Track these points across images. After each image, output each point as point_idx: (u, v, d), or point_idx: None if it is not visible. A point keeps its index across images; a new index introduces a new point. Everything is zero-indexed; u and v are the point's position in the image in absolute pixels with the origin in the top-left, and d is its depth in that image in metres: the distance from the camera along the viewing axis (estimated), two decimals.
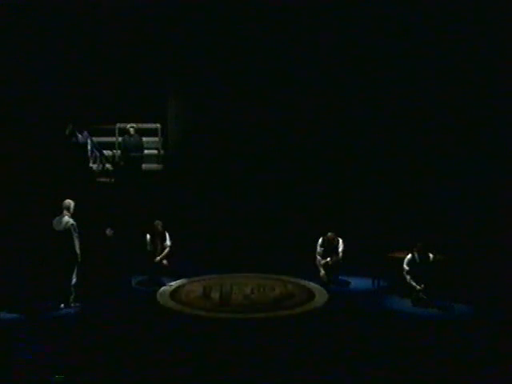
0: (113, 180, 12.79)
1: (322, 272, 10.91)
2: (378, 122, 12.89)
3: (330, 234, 10.97)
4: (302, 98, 13.11)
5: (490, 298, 9.80)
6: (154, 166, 13.65)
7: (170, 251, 11.05)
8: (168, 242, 11.08)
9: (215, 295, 10.36)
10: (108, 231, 10.55)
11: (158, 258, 10.96)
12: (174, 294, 10.43)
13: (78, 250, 9.52)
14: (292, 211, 12.89)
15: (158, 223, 11.10)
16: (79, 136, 12.46)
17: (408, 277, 9.79)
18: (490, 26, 11.76)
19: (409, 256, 9.87)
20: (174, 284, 10.93)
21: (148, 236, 11.05)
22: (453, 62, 12.17)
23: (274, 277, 11.39)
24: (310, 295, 10.35)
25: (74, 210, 9.70)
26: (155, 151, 13.78)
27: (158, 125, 13.71)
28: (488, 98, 11.91)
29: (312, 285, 10.87)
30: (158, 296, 10.30)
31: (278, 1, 12.73)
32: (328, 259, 10.90)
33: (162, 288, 10.70)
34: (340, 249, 10.92)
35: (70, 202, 9.69)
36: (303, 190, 13.05)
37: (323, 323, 9.22)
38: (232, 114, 13.25)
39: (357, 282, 11.09)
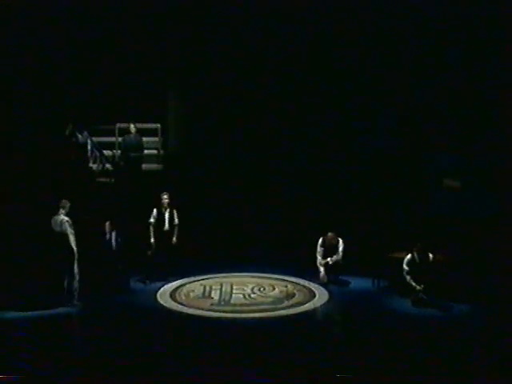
0: (113, 180, 12.79)
1: (322, 272, 10.90)
2: (379, 121, 12.87)
3: (330, 234, 10.96)
4: (302, 97, 13.11)
5: (490, 298, 9.79)
6: (153, 166, 13.65)
7: (178, 230, 11.09)
8: (176, 221, 11.09)
9: (215, 295, 10.38)
10: (107, 225, 10.54)
11: (174, 238, 10.98)
12: (173, 293, 10.44)
13: (74, 246, 9.56)
14: (292, 211, 12.88)
15: (164, 195, 11.07)
16: (79, 136, 12.45)
17: (408, 277, 9.78)
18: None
19: (408, 256, 9.87)
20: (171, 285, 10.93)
21: (155, 210, 11.06)
22: (453, 61, 12.17)
23: (274, 277, 11.39)
24: (310, 295, 10.36)
25: (71, 209, 9.76)
26: (155, 151, 13.78)
27: (158, 125, 13.71)
28: (487, 95, 11.89)
29: (312, 285, 10.87)
30: (157, 296, 10.30)
31: (277, 1, 12.73)
32: (328, 259, 10.90)
33: (162, 288, 10.70)
34: (340, 248, 10.92)
35: (66, 202, 9.80)
36: (303, 189, 13.04)
37: (323, 323, 9.22)
38: (232, 114, 13.24)
39: (357, 282, 11.06)
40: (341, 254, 10.90)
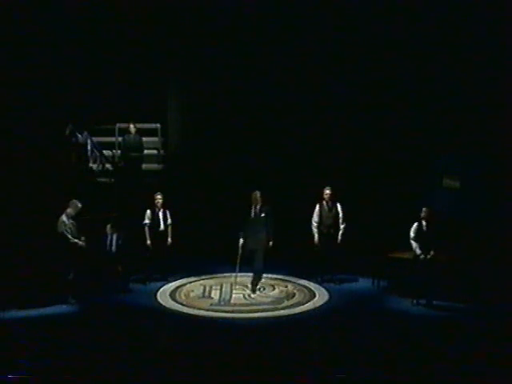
0: (113, 180, 12.79)
1: (316, 238, 10.88)
2: (379, 121, 12.87)
3: (327, 191, 10.96)
4: (302, 96, 13.09)
5: (491, 297, 9.78)
6: (154, 166, 13.66)
7: (172, 229, 11.09)
8: (169, 221, 11.09)
9: (215, 295, 10.37)
10: (108, 227, 10.54)
11: (169, 239, 10.99)
12: (173, 293, 10.44)
13: (71, 240, 9.55)
14: (292, 211, 12.87)
15: (158, 195, 11.08)
16: (79, 136, 12.45)
17: (414, 244, 9.81)
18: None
19: (415, 224, 9.90)
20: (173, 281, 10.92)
21: (148, 211, 11.06)
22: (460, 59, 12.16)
23: (273, 276, 11.38)
24: (310, 295, 10.36)
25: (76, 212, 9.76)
26: (155, 151, 13.78)
27: (158, 125, 13.71)
28: (488, 95, 11.88)
29: (312, 285, 10.88)
30: (158, 296, 10.30)
31: (277, 1, 12.74)
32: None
33: (162, 288, 10.70)
34: (340, 215, 10.91)
35: (72, 202, 9.79)
36: (303, 189, 13.03)
37: (323, 323, 9.22)
38: (232, 114, 13.24)
39: (357, 282, 11.09)
40: (342, 221, 10.89)
